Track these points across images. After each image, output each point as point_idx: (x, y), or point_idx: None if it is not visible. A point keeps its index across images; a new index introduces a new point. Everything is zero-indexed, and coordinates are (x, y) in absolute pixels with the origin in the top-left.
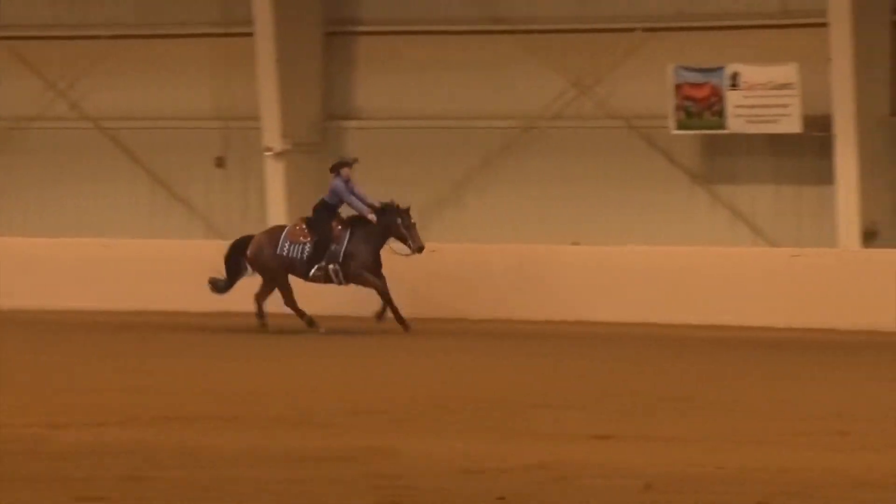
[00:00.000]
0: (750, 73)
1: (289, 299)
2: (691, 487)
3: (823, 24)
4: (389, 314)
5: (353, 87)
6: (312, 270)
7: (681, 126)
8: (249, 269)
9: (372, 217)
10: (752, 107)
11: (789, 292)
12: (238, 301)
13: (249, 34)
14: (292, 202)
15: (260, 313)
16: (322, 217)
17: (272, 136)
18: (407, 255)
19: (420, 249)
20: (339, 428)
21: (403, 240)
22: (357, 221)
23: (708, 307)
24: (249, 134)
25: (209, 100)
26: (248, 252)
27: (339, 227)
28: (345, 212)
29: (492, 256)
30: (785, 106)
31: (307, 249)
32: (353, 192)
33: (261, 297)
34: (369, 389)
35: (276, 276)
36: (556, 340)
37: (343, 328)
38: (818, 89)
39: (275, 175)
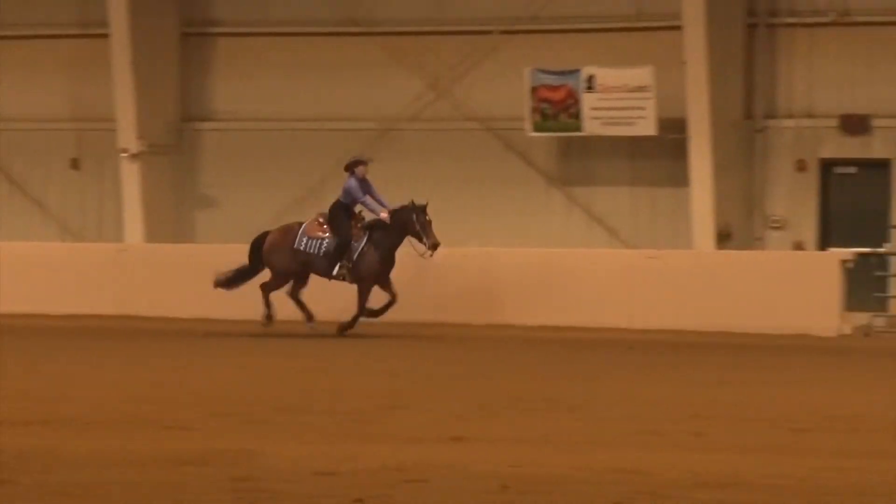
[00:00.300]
0: (605, 75)
1: (270, 289)
2: (547, 488)
3: (678, 28)
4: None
5: (209, 89)
6: (336, 269)
7: (537, 128)
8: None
9: (385, 216)
10: (608, 109)
11: (645, 293)
12: (93, 303)
13: (105, 35)
14: (148, 203)
15: (267, 304)
16: (339, 217)
17: (128, 137)
18: (423, 254)
19: (435, 247)
20: (197, 430)
21: (418, 237)
22: (376, 223)
23: (564, 308)
24: (105, 135)
25: (64, 101)
26: (264, 247)
27: (359, 226)
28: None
29: None
30: (640, 108)
31: (325, 245)
32: (368, 192)
33: (267, 288)
34: (231, 391)
35: (289, 272)
36: (415, 342)
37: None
38: (673, 92)
39: (130, 176)
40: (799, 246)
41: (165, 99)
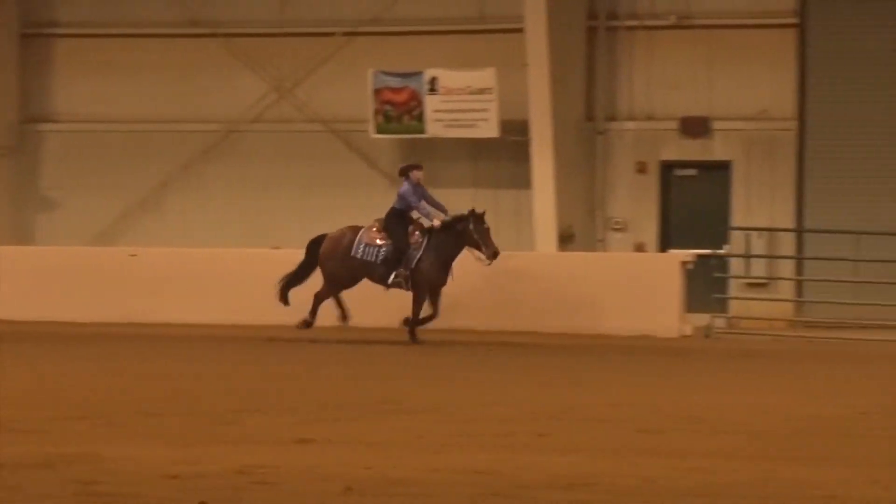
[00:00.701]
0: (448, 77)
1: (324, 295)
2: (392, 490)
3: (520, 30)
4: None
5: (50, 90)
6: (392, 277)
7: (380, 130)
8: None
9: (436, 223)
10: (451, 111)
11: (484, 295)
12: None
13: None
14: None
15: (314, 312)
16: (395, 223)
17: None
18: (482, 260)
19: (495, 255)
20: (39, 434)
21: (477, 246)
22: (434, 230)
23: (406, 310)
24: None
25: None
26: (321, 252)
27: (417, 233)
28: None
29: (190, 260)
30: (483, 111)
31: (382, 253)
32: (423, 197)
33: (321, 295)
34: (73, 394)
35: (343, 279)
36: (249, 344)
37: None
38: (515, 94)
39: None
40: (640, 247)
41: (5, 100)
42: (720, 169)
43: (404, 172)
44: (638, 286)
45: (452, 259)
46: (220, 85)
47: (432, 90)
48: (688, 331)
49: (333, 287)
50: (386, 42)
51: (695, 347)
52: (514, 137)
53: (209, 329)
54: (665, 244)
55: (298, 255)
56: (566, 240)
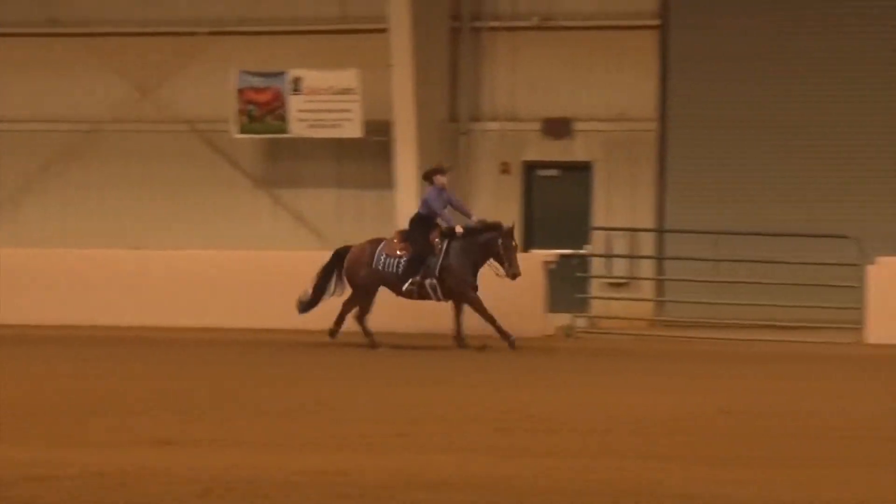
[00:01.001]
0: (312, 78)
1: (362, 315)
2: (251, 491)
3: (384, 31)
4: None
5: None
6: (406, 285)
7: (243, 130)
8: (332, 286)
9: (459, 231)
10: (315, 111)
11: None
12: None
13: None
14: None
15: (366, 332)
16: (418, 230)
17: None
18: (500, 276)
19: (515, 276)
20: None
21: (500, 262)
22: (453, 234)
23: (271, 310)
24: None
25: None
26: (345, 263)
27: (437, 239)
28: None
29: (50, 261)
30: (346, 111)
31: (402, 264)
32: (449, 201)
33: (360, 317)
34: None
35: (367, 291)
36: (112, 345)
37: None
38: (379, 95)
39: None
40: None
41: None
42: (582, 169)
43: (428, 177)
44: (500, 286)
45: (477, 267)
46: (81, 84)
47: (296, 90)
48: (550, 330)
49: (362, 298)
50: (249, 42)
51: (556, 347)
52: (378, 138)
53: (68, 330)
54: (528, 244)
55: (161, 256)
56: None
